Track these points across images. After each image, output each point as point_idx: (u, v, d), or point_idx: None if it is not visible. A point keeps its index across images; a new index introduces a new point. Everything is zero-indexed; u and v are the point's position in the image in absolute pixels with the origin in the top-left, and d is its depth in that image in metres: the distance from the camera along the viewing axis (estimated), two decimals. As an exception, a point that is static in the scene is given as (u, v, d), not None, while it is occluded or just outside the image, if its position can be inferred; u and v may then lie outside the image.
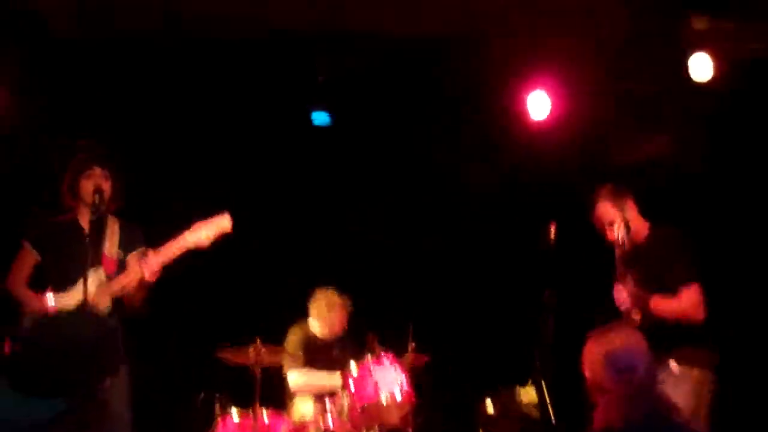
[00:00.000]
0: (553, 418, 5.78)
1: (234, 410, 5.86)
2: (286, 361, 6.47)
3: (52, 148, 6.09)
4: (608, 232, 5.37)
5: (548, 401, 5.79)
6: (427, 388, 6.36)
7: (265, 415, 5.90)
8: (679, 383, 5.00)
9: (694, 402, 5.07)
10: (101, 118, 6.67)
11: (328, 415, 6.00)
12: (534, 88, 6.82)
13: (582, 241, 5.57)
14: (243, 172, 7.41)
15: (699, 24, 6.13)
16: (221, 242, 5.17)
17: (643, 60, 6.31)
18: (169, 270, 5.10)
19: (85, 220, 5.12)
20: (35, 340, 4.43)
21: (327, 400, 6.13)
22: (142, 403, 5.13)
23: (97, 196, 5.00)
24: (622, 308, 5.21)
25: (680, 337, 5.13)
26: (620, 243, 5.19)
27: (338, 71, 6.95)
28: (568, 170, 6.96)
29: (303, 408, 6.40)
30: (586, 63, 6.44)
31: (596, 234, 5.52)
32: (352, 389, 5.97)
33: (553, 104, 6.81)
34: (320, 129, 7.43)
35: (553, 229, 5.46)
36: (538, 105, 6.85)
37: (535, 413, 6.90)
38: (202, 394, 5.95)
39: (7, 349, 4.97)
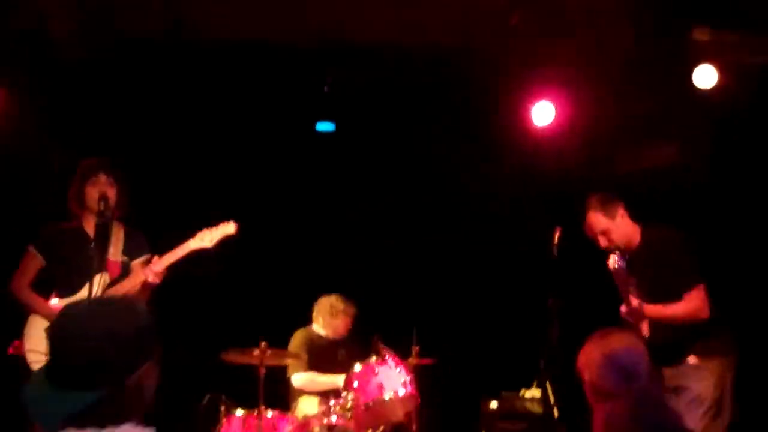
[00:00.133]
0: (556, 414, 5.77)
1: (239, 410, 5.88)
2: (290, 364, 6.50)
3: (59, 156, 6.11)
4: (600, 241, 5.36)
5: (553, 401, 5.79)
6: (431, 389, 6.35)
7: (269, 414, 5.92)
8: (702, 376, 5.06)
9: (718, 392, 5.10)
10: (108, 127, 6.68)
11: (333, 414, 6.00)
12: (538, 97, 6.82)
13: (586, 247, 5.54)
14: (248, 179, 7.40)
15: (701, 35, 6.12)
16: (227, 246, 5.21)
17: (646, 70, 6.29)
18: (175, 273, 5.13)
19: (90, 227, 5.17)
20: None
21: (331, 398, 6.14)
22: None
23: (102, 203, 5.05)
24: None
25: (694, 334, 5.14)
26: (617, 269, 5.19)
27: (344, 81, 6.95)
28: (572, 177, 6.94)
29: (307, 407, 6.43)
30: (589, 72, 6.42)
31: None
32: (357, 387, 5.98)
33: (557, 112, 6.81)
34: (325, 136, 7.42)
35: (557, 235, 5.44)
36: (542, 113, 6.86)
37: (538, 410, 6.91)
38: (207, 395, 5.95)
39: (11, 350, 5.04)
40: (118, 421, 2.28)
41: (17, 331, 5.13)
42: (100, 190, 5.12)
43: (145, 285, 5.13)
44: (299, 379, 6.51)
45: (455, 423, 7.29)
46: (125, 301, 2.40)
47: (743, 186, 6.74)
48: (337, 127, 7.41)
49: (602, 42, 6.20)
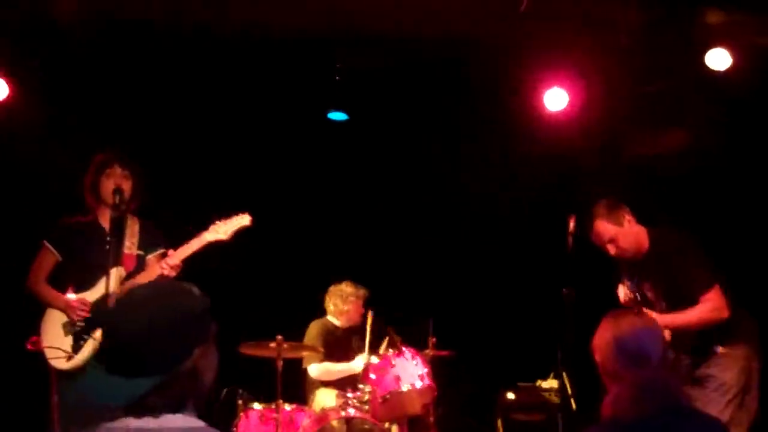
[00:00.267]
0: (573, 405, 5.75)
1: (256, 404, 5.90)
2: (306, 355, 6.51)
3: (70, 147, 6.12)
4: (609, 250, 5.32)
5: (569, 391, 5.77)
6: (447, 381, 6.35)
7: (287, 407, 5.94)
8: (727, 364, 5.03)
9: (744, 378, 5.06)
10: (119, 118, 6.69)
11: (350, 405, 6.02)
12: (551, 83, 6.79)
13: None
14: (260, 169, 7.40)
15: (713, 18, 6.07)
16: (241, 239, 5.21)
17: (658, 54, 6.26)
18: (191, 267, 5.14)
19: (105, 220, 5.16)
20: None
21: (348, 391, 6.16)
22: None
23: (117, 196, 5.04)
24: None
25: (721, 331, 5.10)
26: (630, 299, 5.19)
27: (356, 71, 6.94)
28: (586, 164, 6.92)
29: (324, 400, 6.44)
30: (601, 57, 6.39)
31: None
32: (374, 379, 5.99)
33: (570, 98, 6.77)
34: (339, 126, 7.42)
35: (572, 223, 5.41)
36: (555, 99, 6.82)
37: (555, 401, 6.90)
38: (225, 390, 5.97)
39: (30, 346, 5.06)
40: (175, 407, 2.28)
41: (35, 327, 5.15)
42: (115, 182, 5.12)
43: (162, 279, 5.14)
44: (316, 369, 6.52)
45: (472, 414, 7.29)
46: (179, 285, 2.40)
47: (757, 170, 6.70)
48: (349, 116, 7.40)
49: (614, 26, 6.16)
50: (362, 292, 6.87)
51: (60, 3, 5.94)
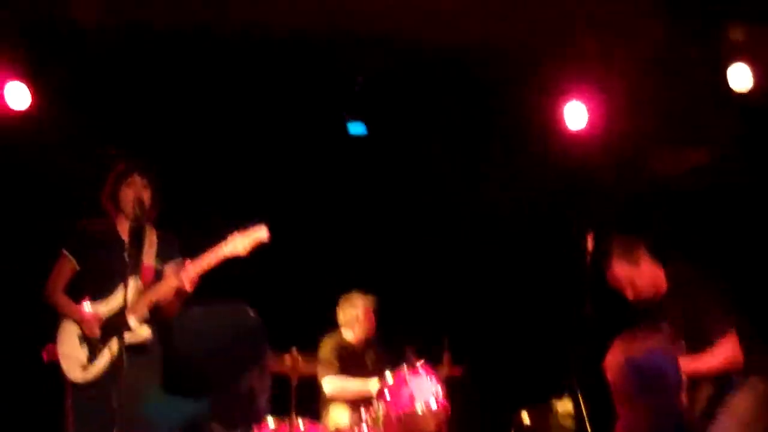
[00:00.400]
0: (589, 429, 5.71)
1: (270, 418, 5.87)
2: (320, 369, 6.49)
3: (90, 157, 6.15)
4: (627, 293, 5.27)
5: (585, 413, 5.73)
6: (462, 399, 6.32)
7: (300, 423, 5.92)
8: (748, 397, 4.97)
9: (760, 413, 4.99)
10: (137, 128, 6.71)
11: (363, 424, 5.99)
12: (571, 98, 6.76)
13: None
14: (279, 183, 7.40)
15: (736, 34, 6.05)
16: (257, 252, 5.20)
17: (681, 71, 6.24)
18: (205, 280, 5.13)
19: (123, 229, 5.17)
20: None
21: (362, 409, 6.13)
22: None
23: (138, 207, 5.05)
24: None
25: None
26: None
27: (375, 83, 6.95)
28: (606, 181, 6.89)
29: (338, 417, 6.41)
30: (623, 73, 6.38)
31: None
32: (388, 398, 5.96)
33: (591, 114, 6.74)
34: (356, 139, 7.43)
35: (590, 240, 5.38)
36: (575, 115, 6.80)
37: (571, 424, 6.85)
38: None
39: (45, 355, 5.07)
40: (231, 427, 2.31)
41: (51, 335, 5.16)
42: (136, 192, 5.14)
43: (179, 292, 5.13)
44: (330, 383, 6.49)
45: (486, 432, 7.25)
46: (234, 306, 2.42)
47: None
48: (367, 127, 7.41)
49: (635, 42, 6.15)
50: (370, 299, 6.85)
51: (82, 11, 5.98)
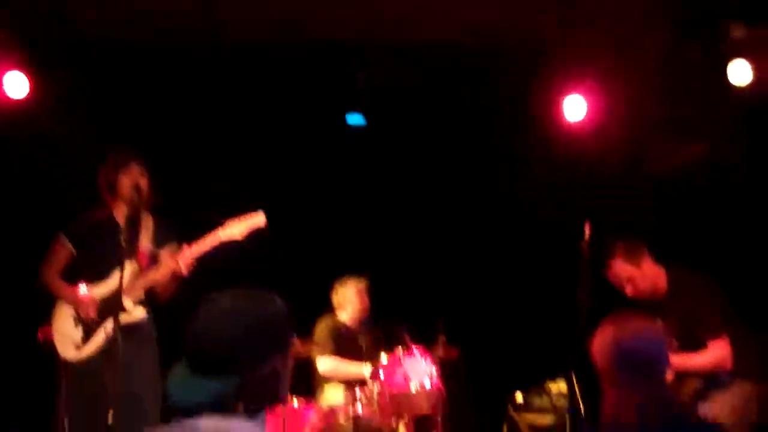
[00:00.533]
0: (582, 409, 5.73)
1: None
2: (315, 350, 6.51)
3: (91, 146, 6.13)
4: (626, 290, 5.33)
5: (578, 394, 5.76)
6: (456, 380, 6.35)
7: (295, 402, 5.95)
8: (732, 395, 5.01)
9: (736, 416, 5.03)
10: (136, 114, 6.69)
11: (358, 402, 6.02)
12: (571, 92, 6.74)
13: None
14: (276, 172, 7.39)
15: (737, 32, 6.02)
16: (254, 237, 5.20)
17: (680, 66, 6.21)
18: (202, 264, 5.14)
19: (121, 216, 5.19)
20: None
21: (357, 388, 6.16)
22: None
23: (135, 193, 5.07)
24: None
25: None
26: None
27: (376, 76, 6.92)
28: (605, 173, 6.89)
29: (332, 396, 6.44)
30: (623, 67, 6.35)
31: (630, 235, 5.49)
32: (383, 378, 5.99)
33: (590, 108, 6.72)
34: (356, 129, 7.41)
35: (587, 229, 5.39)
36: (575, 107, 6.78)
37: (564, 404, 6.89)
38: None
39: (41, 336, 5.08)
40: (254, 407, 2.34)
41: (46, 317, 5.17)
42: (133, 179, 5.15)
43: (175, 275, 5.15)
44: (324, 364, 6.51)
45: (481, 415, 7.27)
46: (260, 292, 2.45)
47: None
48: (367, 120, 7.39)
49: (636, 38, 6.12)
50: (363, 281, 6.87)
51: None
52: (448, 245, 7.70)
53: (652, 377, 3.18)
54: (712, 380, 5.13)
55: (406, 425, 6.34)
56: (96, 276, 5.12)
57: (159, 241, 5.32)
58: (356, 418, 5.97)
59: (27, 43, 6.11)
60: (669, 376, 4.80)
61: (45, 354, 5.07)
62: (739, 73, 6.13)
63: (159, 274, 5.16)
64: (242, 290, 2.44)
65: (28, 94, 6.25)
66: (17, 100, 6.23)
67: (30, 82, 6.25)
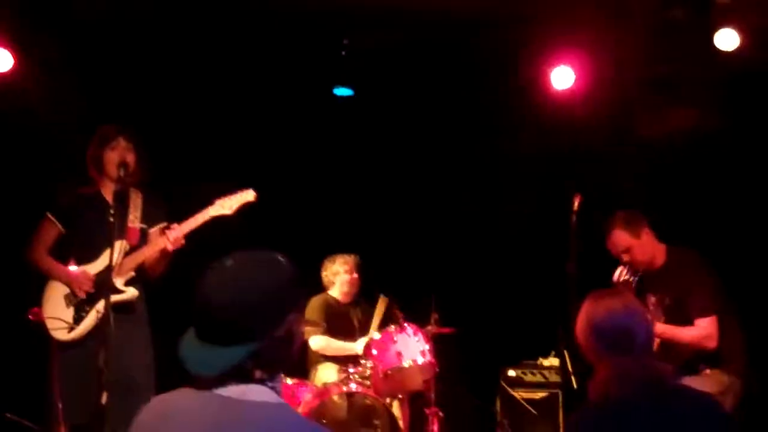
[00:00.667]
0: (574, 383, 5.76)
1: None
2: (307, 329, 6.51)
3: (76, 121, 6.10)
4: (623, 258, 5.36)
5: (570, 369, 5.78)
6: (449, 357, 6.35)
7: (289, 381, 5.95)
8: (704, 384, 4.98)
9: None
10: (123, 90, 6.64)
11: (351, 380, 6.03)
12: (558, 61, 6.73)
13: (605, 215, 5.51)
14: (265, 145, 7.37)
15: None
16: (244, 213, 5.19)
17: (667, 33, 6.20)
18: (192, 242, 5.13)
19: (108, 193, 5.12)
20: None
21: (350, 366, 6.17)
22: (167, 372, 5.18)
23: (122, 169, 5.02)
24: None
25: (711, 355, 5.16)
26: (624, 281, 5.18)
27: (363, 46, 6.89)
28: (593, 142, 6.89)
29: (326, 375, 6.45)
30: (609, 35, 6.34)
31: (620, 206, 5.50)
32: (376, 355, 6.00)
33: (577, 76, 6.72)
34: (343, 101, 7.38)
35: (577, 202, 5.40)
36: (562, 77, 6.77)
37: (556, 379, 6.93)
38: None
39: (31, 317, 5.06)
40: (270, 371, 2.32)
41: (37, 297, 5.14)
42: (120, 155, 5.09)
43: (164, 252, 5.13)
44: (317, 342, 6.52)
45: (473, 391, 7.30)
46: (267, 255, 2.41)
47: (765, 151, 6.66)
48: (354, 92, 7.37)
49: (623, 4, 6.11)
50: (353, 258, 6.89)
51: None
52: (438, 220, 7.71)
53: (632, 350, 3.16)
54: (689, 367, 5.16)
55: (400, 402, 6.38)
56: (85, 254, 5.09)
57: (148, 218, 5.27)
58: (350, 396, 5.99)
59: (10, 17, 6.08)
60: (655, 344, 4.88)
61: (37, 335, 5.05)
62: (726, 40, 6.13)
63: (149, 252, 5.13)
64: (246, 253, 2.39)
65: (12, 68, 6.22)
66: (1, 74, 6.19)
67: (13, 56, 6.21)
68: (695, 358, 5.17)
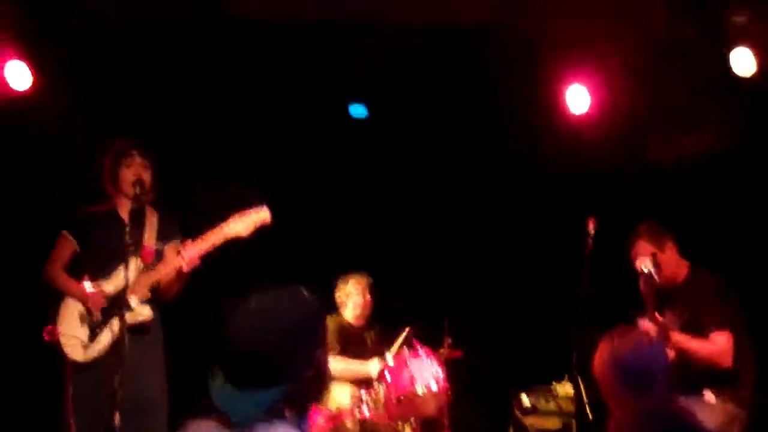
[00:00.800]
0: (589, 413, 5.71)
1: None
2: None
3: (95, 139, 6.13)
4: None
5: (585, 397, 5.74)
6: (462, 382, 6.33)
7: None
8: (711, 413, 4.94)
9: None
10: (136, 105, 6.68)
11: (364, 405, 6.02)
12: (573, 81, 6.73)
13: (621, 237, 5.50)
14: (280, 165, 7.39)
15: (740, 18, 6.00)
16: (257, 234, 5.18)
17: (683, 54, 6.20)
18: (206, 263, 5.12)
19: (124, 210, 5.15)
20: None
21: (363, 391, 6.16)
22: (179, 394, 5.19)
23: (138, 187, 5.03)
24: None
25: (718, 374, 5.09)
26: (645, 273, 5.13)
27: (377, 63, 6.91)
28: (607, 165, 6.88)
29: (339, 397, 6.42)
30: (624, 56, 6.34)
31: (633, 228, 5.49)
32: (389, 380, 5.98)
33: (592, 98, 6.70)
34: (357, 122, 7.41)
35: (591, 225, 5.39)
36: (578, 98, 6.75)
37: (570, 407, 6.87)
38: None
39: (47, 336, 5.07)
40: (300, 410, 2.33)
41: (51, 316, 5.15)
42: (135, 172, 5.10)
43: (179, 273, 5.12)
44: (331, 364, 6.49)
45: (487, 417, 7.25)
46: (290, 292, 2.40)
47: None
48: (369, 109, 7.38)
49: (638, 25, 6.12)
50: (366, 279, 6.87)
51: None
52: (451, 243, 7.69)
53: (653, 390, 3.15)
54: (689, 391, 5.07)
55: (413, 428, 6.35)
56: (100, 273, 5.08)
57: (163, 237, 5.28)
58: (362, 422, 5.97)
59: (30, 35, 6.13)
60: (671, 354, 4.83)
61: (51, 354, 5.06)
62: (742, 61, 6.10)
63: (164, 272, 5.12)
64: (270, 293, 2.38)
65: (32, 85, 6.26)
66: (21, 92, 6.23)
67: (32, 72, 6.25)
68: (706, 377, 5.09)
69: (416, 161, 7.63)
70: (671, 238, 5.37)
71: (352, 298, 6.82)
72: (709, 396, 5.11)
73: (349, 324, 6.82)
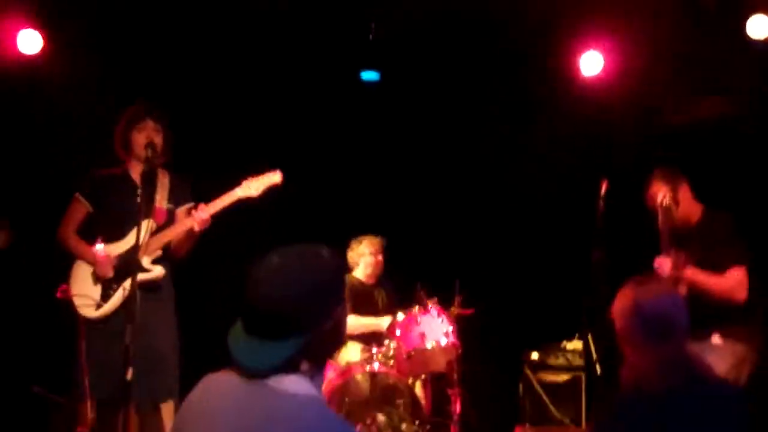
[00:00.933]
0: (598, 369, 5.74)
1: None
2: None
3: (106, 102, 6.12)
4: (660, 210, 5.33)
5: (594, 354, 5.76)
6: (473, 339, 6.35)
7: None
8: (720, 356, 4.97)
9: (732, 377, 5.02)
10: (151, 72, 6.67)
11: (375, 360, 6.06)
12: (587, 46, 6.69)
13: (633, 201, 5.49)
14: (292, 128, 7.37)
15: None
16: (270, 196, 5.20)
17: (698, 20, 6.15)
18: (219, 225, 5.15)
19: (136, 173, 5.16)
20: None
21: (373, 346, 6.19)
22: (191, 359, 5.24)
23: (149, 150, 5.03)
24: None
25: (727, 314, 5.09)
26: (664, 207, 5.13)
27: (390, 30, 6.87)
28: (621, 128, 6.85)
29: (349, 354, 6.47)
30: (640, 22, 6.28)
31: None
32: (399, 336, 6.01)
33: (606, 62, 6.68)
34: (370, 85, 7.37)
35: (604, 187, 5.37)
36: (591, 63, 6.74)
37: (579, 363, 6.92)
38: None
39: (59, 294, 5.10)
40: (317, 363, 2.38)
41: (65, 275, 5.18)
42: (148, 136, 5.11)
43: (191, 233, 5.16)
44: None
45: (496, 373, 7.30)
46: (311, 248, 2.44)
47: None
48: (381, 75, 7.35)
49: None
50: (378, 240, 6.91)
51: None
52: (464, 203, 7.69)
53: (672, 339, 3.17)
54: (696, 336, 5.09)
55: (423, 382, 6.40)
56: (113, 234, 5.12)
57: (175, 199, 5.30)
58: (373, 375, 6.01)
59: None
60: (682, 290, 4.86)
61: (65, 312, 5.10)
62: (758, 27, 6.06)
63: (175, 233, 5.17)
64: (291, 248, 2.41)
65: (42, 49, 6.26)
66: (31, 56, 6.24)
67: (43, 37, 6.25)
68: (708, 318, 4.99)
69: (429, 123, 7.60)
70: (686, 181, 5.41)
71: (364, 258, 6.85)
72: (716, 339, 5.13)
73: (360, 282, 6.86)
